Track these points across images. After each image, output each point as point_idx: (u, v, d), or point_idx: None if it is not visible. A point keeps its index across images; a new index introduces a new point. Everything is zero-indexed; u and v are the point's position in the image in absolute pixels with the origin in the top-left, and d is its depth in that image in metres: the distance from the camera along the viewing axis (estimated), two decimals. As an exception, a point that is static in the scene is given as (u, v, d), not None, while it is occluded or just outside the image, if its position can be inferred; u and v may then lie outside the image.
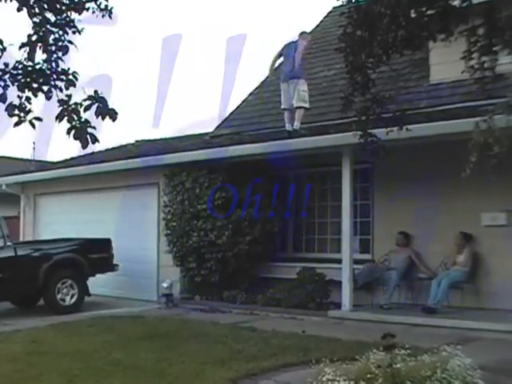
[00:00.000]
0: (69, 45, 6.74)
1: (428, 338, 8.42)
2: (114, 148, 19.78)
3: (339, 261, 11.72)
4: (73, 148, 28.28)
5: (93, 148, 18.50)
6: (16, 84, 6.53)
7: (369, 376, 5.26)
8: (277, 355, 8.27)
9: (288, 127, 12.58)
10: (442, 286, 10.83)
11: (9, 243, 12.69)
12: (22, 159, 28.64)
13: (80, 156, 18.16)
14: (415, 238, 12.03)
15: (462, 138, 7.13)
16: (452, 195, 11.34)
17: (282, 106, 12.91)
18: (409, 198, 11.92)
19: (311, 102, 13.86)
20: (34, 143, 29.55)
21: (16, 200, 19.34)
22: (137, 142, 20.80)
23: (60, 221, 16.96)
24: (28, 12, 6.62)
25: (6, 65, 6.52)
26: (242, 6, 64.52)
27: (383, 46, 7.59)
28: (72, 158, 18.80)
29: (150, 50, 64.86)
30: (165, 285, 13.72)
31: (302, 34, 13.11)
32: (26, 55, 6.52)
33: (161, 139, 19.72)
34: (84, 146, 6.29)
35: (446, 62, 11.27)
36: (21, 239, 17.89)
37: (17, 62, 6.53)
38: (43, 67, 6.60)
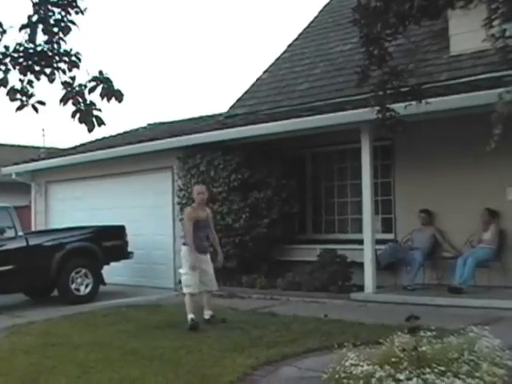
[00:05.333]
0: (71, 25, 6.53)
1: (454, 319, 8.18)
2: (125, 132, 19.70)
3: (361, 241, 11.45)
4: (83, 133, 28.40)
5: (104, 133, 18.40)
6: (17, 67, 6.33)
7: (393, 360, 5.11)
8: (298, 340, 8.11)
9: None
10: (468, 265, 10.57)
11: (20, 233, 12.49)
12: (31, 147, 28.53)
13: (91, 141, 18.03)
14: (439, 215, 11.78)
15: (484, 111, 6.92)
16: (476, 170, 11.07)
17: None
18: (431, 174, 11.74)
19: (327, 78, 13.60)
20: (43, 130, 29.45)
21: (26, 189, 19.25)
22: (149, 125, 20.61)
23: (72, 208, 16.88)
24: (27, -8, 6.41)
25: (7, 48, 6.34)
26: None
27: (399, 16, 7.29)
28: (83, 144, 18.64)
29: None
30: (182, 271, 13.51)
31: None
32: (26, 37, 6.32)
33: (173, 121, 19.47)
34: (90, 130, 6.11)
35: (467, 32, 11.02)
36: (32, 229, 17.79)
37: (17, 44, 6.33)
38: (45, 49, 6.39)
